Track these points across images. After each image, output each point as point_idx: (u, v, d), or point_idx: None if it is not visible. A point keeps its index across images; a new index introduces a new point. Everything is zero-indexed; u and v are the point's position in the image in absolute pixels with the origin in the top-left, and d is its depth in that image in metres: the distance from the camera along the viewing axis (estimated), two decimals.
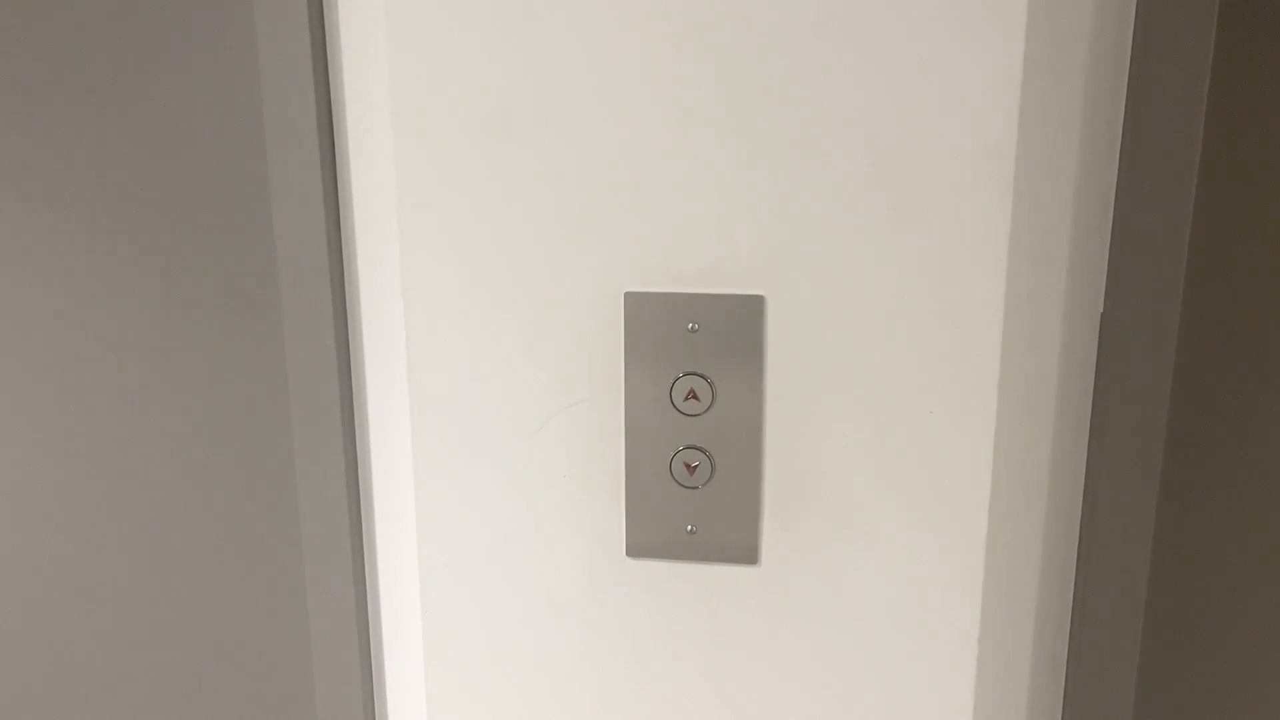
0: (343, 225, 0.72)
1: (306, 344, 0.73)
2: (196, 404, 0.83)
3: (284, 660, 0.86)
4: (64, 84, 0.78)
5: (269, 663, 0.87)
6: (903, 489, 0.67)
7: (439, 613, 0.74)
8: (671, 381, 0.67)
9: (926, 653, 0.69)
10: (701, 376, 0.67)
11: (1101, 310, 0.67)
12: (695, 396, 0.67)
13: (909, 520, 0.67)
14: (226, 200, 0.77)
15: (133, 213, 0.80)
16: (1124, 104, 0.64)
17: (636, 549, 0.70)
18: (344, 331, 0.74)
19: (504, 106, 0.65)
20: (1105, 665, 0.69)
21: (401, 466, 0.75)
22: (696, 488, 0.69)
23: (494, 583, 0.73)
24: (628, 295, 0.66)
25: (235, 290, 0.79)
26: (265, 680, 0.87)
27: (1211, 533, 0.74)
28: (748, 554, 0.69)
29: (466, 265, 0.68)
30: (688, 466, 0.68)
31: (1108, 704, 0.69)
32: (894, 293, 0.64)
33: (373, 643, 0.80)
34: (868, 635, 0.69)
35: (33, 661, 0.94)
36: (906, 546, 0.68)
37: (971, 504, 0.66)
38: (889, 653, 0.70)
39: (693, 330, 0.66)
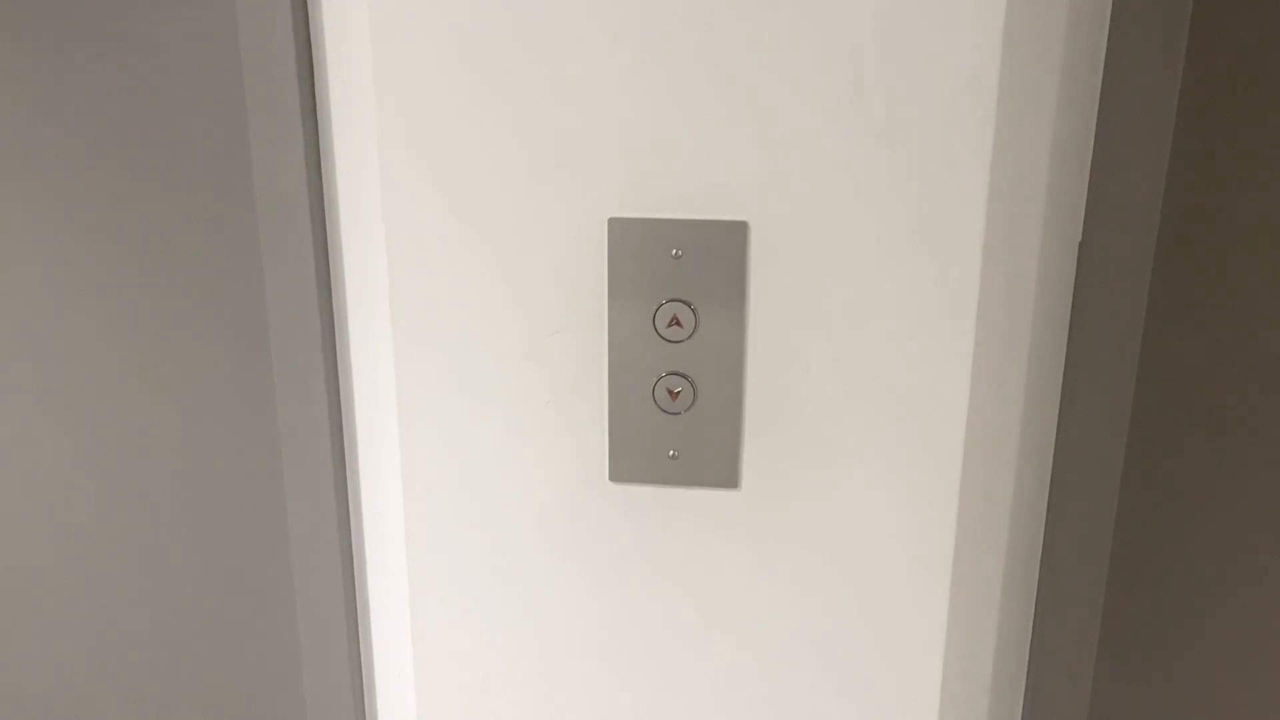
0: (322, 155, 0.72)
1: (287, 273, 0.73)
2: (175, 339, 0.82)
3: (267, 591, 0.87)
4: (30, 14, 0.77)
5: (251, 592, 0.88)
6: (881, 414, 0.68)
7: (423, 539, 0.76)
8: (655, 308, 0.68)
9: (903, 574, 0.71)
10: (685, 303, 0.68)
11: (1080, 240, 0.68)
12: (678, 323, 0.68)
13: (887, 444, 0.69)
14: (203, 128, 0.77)
15: (107, 142, 0.79)
16: (1106, 35, 0.64)
17: (619, 474, 0.71)
18: (324, 260, 0.73)
19: (484, 30, 0.64)
20: (1075, 579, 0.71)
21: (384, 394, 0.75)
22: (679, 413, 0.70)
23: (478, 508, 0.74)
24: (611, 221, 0.67)
25: (213, 222, 0.79)
26: (247, 605, 0.89)
27: (1180, 454, 0.76)
28: (729, 478, 0.70)
29: (448, 192, 0.68)
30: (670, 392, 0.69)
31: (1077, 619, 0.71)
32: (876, 220, 0.65)
33: (356, 572, 0.81)
34: (845, 557, 0.71)
35: (16, 619, 0.94)
36: (884, 470, 0.69)
37: (948, 429, 0.68)
38: (866, 574, 0.71)
39: (676, 256, 0.67)
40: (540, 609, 0.76)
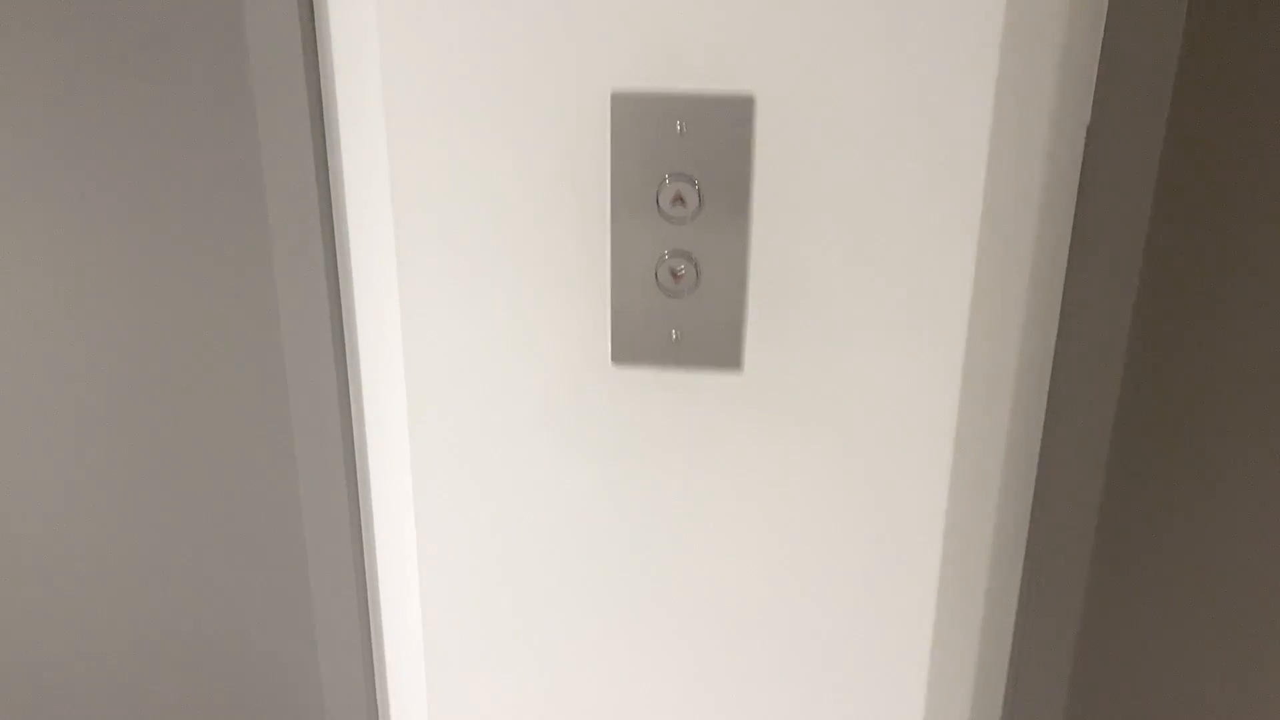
0: (318, 26, 0.70)
1: (284, 159, 0.72)
2: (167, 206, 0.81)
3: (270, 479, 0.87)
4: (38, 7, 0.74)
5: (254, 473, 0.88)
6: (886, 294, 0.68)
7: (425, 423, 0.76)
8: (658, 185, 0.67)
9: (904, 455, 0.71)
10: (689, 180, 0.67)
11: (1088, 123, 0.67)
12: (682, 201, 0.67)
13: (891, 325, 0.68)
14: None
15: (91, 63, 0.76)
16: None
17: (621, 356, 0.71)
18: (321, 141, 0.72)
19: None
20: (1077, 461, 0.71)
21: (385, 277, 0.74)
22: (682, 294, 0.69)
23: (481, 391, 0.74)
24: (615, 95, 0.65)
25: (208, 100, 0.77)
26: (249, 492, 0.89)
27: (1186, 331, 0.76)
28: (731, 360, 0.70)
29: (447, 67, 0.66)
30: (673, 273, 0.69)
31: (1076, 498, 0.72)
32: (884, 98, 0.64)
33: (358, 455, 0.81)
34: (848, 439, 0.72)
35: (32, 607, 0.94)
36: (888, 351, 0.69)
37: (952, 311, 0.68)
38: (868, 455, 0.72)
39: (681, 132, 0.66)
40: (542, 490, 0.76)
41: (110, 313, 0.86)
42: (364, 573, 0.84)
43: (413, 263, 0.71)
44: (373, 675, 0.87)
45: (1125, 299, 0.68)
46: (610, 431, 0.74)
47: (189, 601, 0.95)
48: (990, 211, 0.66)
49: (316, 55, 0.70)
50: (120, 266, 0.84)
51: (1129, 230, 0.67)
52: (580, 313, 0.71)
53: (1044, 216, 0.68)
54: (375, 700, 0.87)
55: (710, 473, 0.74)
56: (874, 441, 0.71)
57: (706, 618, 0.78)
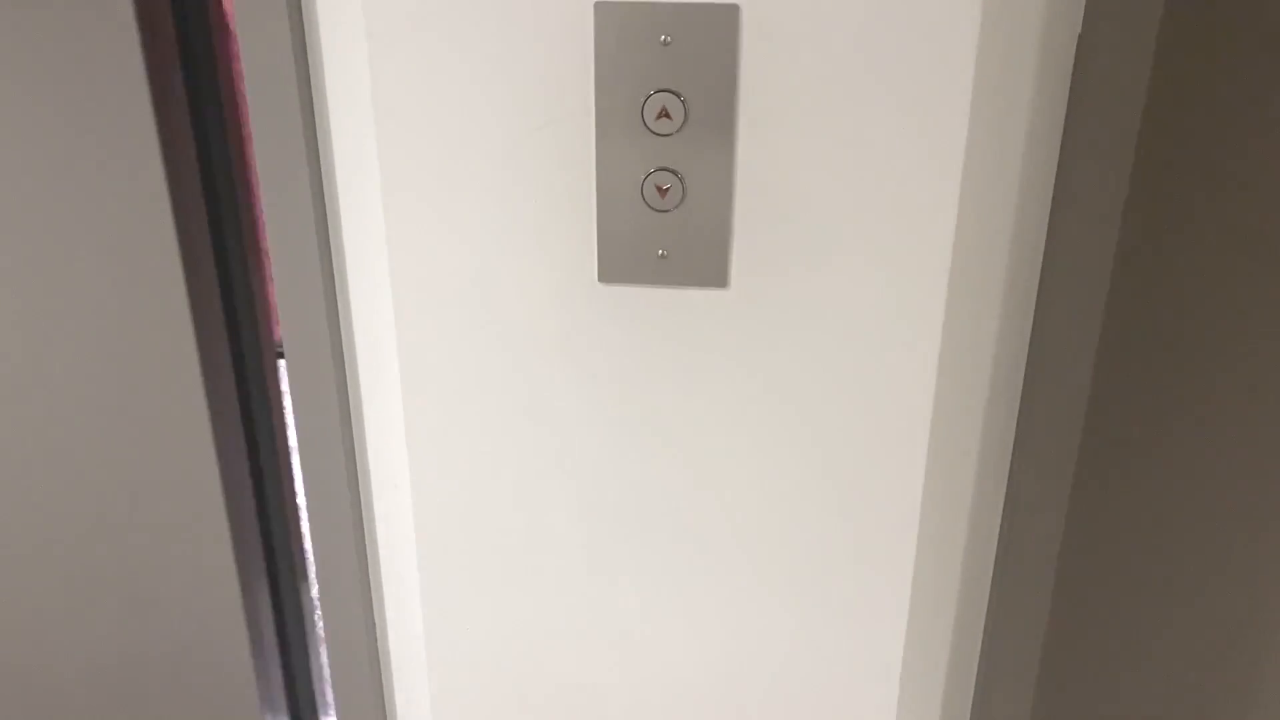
0: None
1: (266, 74, 0.70)
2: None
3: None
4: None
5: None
6: (872, 212, 0.67)
7: (414, 343, 0.75)
8: (643, 99, 0.66)
9: (889, 373, 0.72)
10: (674, 93, 0.66)
11: (1079, 32, 0.66)
12: (667, 115, 0.66)
13: (877, 243, 0.68)
14: None
15: None
16: None
17: (608, 274, 0.71)
18: (303, 59, 0.71)
19: None
20: (1060, 381, 0.72)
21: (370, 198, 0.74)
22: (668, 211, 0.69)
23: (467, 312, 0.74)
24: (598, 5, 0.64)
25: None
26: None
27: (1173, 241, 0.76)
28: (718, 277, 0.70)
29: None
30: (659, 189, 0.68)
31: (1061, 410, 0.72)
32: (871, 7, 0.63)
33: (350, 390, 0.81)
34: (833, 357, 0.72)
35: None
36: (873, 270, 0.69)
37: (938, 224, 0.67)
38: (853, 374, 0.72)
39: (665, 43, 0.64)
40: (529, 409, 0.77)
41: (87, 261, 0.85)
42: (358, 496, 0.84)
43: (397, 182, 0.71)
44: (369, 599, 0.88)
45: (1113, 217, 0.68)
46: (598, 350, 0.74)
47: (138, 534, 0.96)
48: (977, 124, 0.65)
49: None
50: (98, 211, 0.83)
51: (1119, 139, 0.66)
52: (566, 231, 0.70)
53: (1032, 124, 0.68)
54: (372, 613, 0.89)
55: (696, 392, 0.74)
56: (860, 357, 0.72)
57: (694, 532, 0.79)
